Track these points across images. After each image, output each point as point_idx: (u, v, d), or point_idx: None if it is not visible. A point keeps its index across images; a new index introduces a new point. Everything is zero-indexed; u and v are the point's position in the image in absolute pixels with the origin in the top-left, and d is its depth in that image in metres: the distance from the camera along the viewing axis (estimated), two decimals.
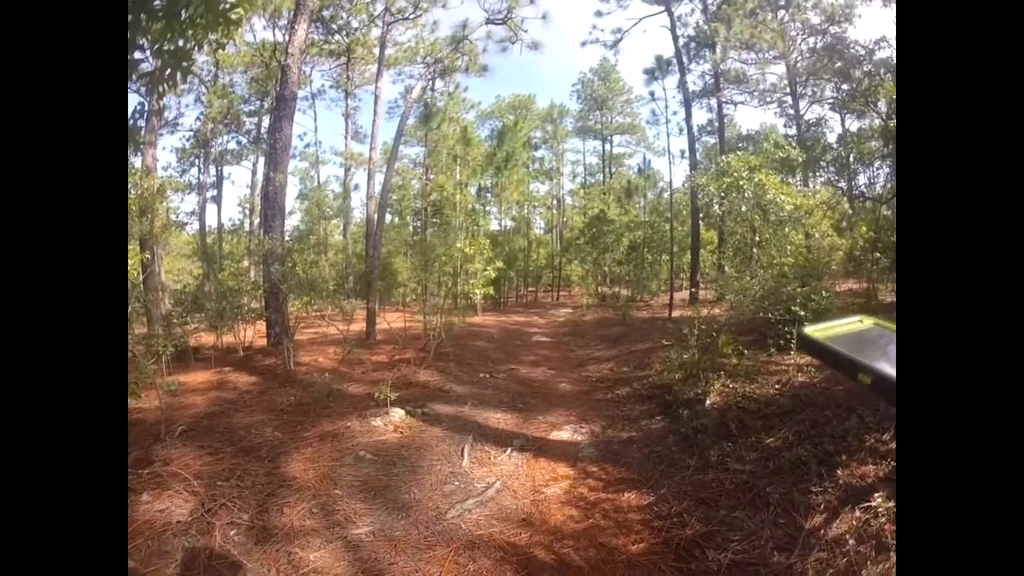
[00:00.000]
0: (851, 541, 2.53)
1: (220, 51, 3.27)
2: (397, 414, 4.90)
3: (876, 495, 2.77)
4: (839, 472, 3.14)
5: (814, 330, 0.64)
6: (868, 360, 0.60)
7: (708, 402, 4.87)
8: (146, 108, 11.43)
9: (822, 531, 2.76)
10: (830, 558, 2.50)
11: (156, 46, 2.35)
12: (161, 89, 2.52)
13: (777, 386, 4.88)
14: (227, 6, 2.23)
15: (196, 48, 2.40)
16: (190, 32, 2.26)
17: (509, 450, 4.44)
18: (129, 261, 7.33)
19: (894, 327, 0.65)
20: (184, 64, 2.30)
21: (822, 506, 2.94)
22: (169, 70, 2.29)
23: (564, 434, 4.98)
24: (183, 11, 2.19)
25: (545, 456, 4.38)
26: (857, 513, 2.73)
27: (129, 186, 8.11)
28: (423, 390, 6.07)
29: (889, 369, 0.59)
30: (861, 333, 0.66)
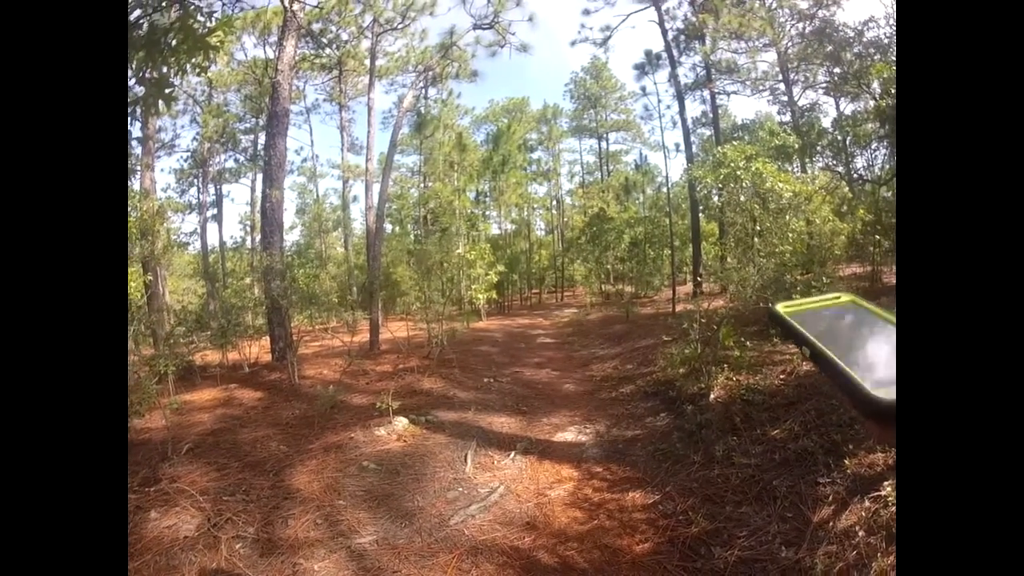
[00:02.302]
0: (861, 533, 2.50)
1: (203, 75, 3.32)
2: (400, 423, 4.92)
3: (885, 484, 2.74)
4: (847, 462, 3.10)
5: (784, 306, 0.64)
6: (812, 333, 0.59)
7: (712, 396, 4.85)
8: (134, 135, 11.51)
9: (831, 523, 2.72)
10: (839, 551, 2.48)
11: (139, 74, 2.37)
12: (148, 115, 2.54)
13: (782, 376, 4.85)
14: (206, 31, 2.26)
15: (179, 74, 2.42)
16: (171, 59, 2.28)
17: (513, 454, 4.44)
18: (132, 283, 7.39)
19: (869, 305, 0.64)
20: (167, 91, 2.32)
21: (830, 498, 2.90)
22: (152, 97, 2.31)
23: (568, 435, 4.98)
24: (163, 39, 2.21)
25: (549, 458, 4.37)
26: (866, 503, 2.69)
27: (129, 209, 8.18)
28: (426, 398, 6.08)
29: (827, 344, 0.58)
30: (832, 310, 0.65)
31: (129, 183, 10.96)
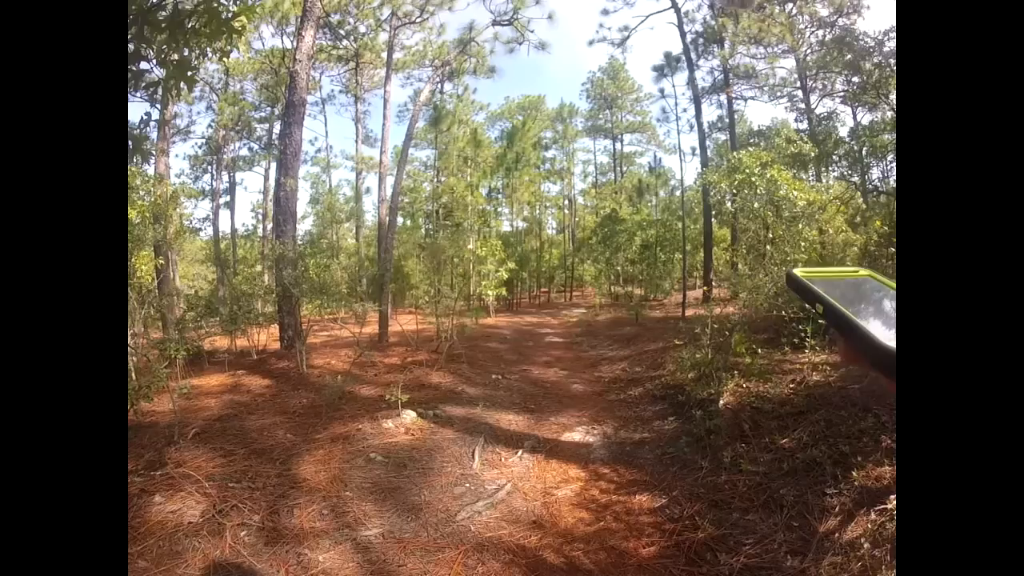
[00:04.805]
0: (866, 545, 2.49)
1: (224, 59, 3.33)
2: (408, 416, 4.91)
3: (892, 497, 2.72)
4: (854, 474, 3.09)
5: (802, 270, 0.66)
6: (829, 295, 0.61)
7: (721, 402, 4.82)
8: (153, 117, 11.55)
9: (836, 534, 2.72)
10: (844, 562, 2.46)
11: (161, 56, 2.36)
12: (168, 98, 2.55)
13: (792, 385, 4.82)
14: (229, 15, 2.25)
15: (200, 57, 2.41)
16: (194, 42, 2.28)
17: (520, 452, 4.43)
18: (144, 267, 7.43)
19: (888, 280, 0.66)
20: (188, 73, 2.32)
21: (837, 509, 2.90)
22: (174, 79, 2.31)
23: (576, 435, 4.96)
24: (186, 21, 2.20)
25: (556, 458, 4.36)
26: (872, 516, 2.69)
27: (143, 193, 8.23)
28: (435, 392, 6.08)
29: (844, 305, 0.60)
30: (851, 281, 0.67)
31: (145, 167, 11.05)
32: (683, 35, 16.61)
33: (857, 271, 0.69)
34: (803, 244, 8.53)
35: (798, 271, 0.67)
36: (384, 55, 16.20)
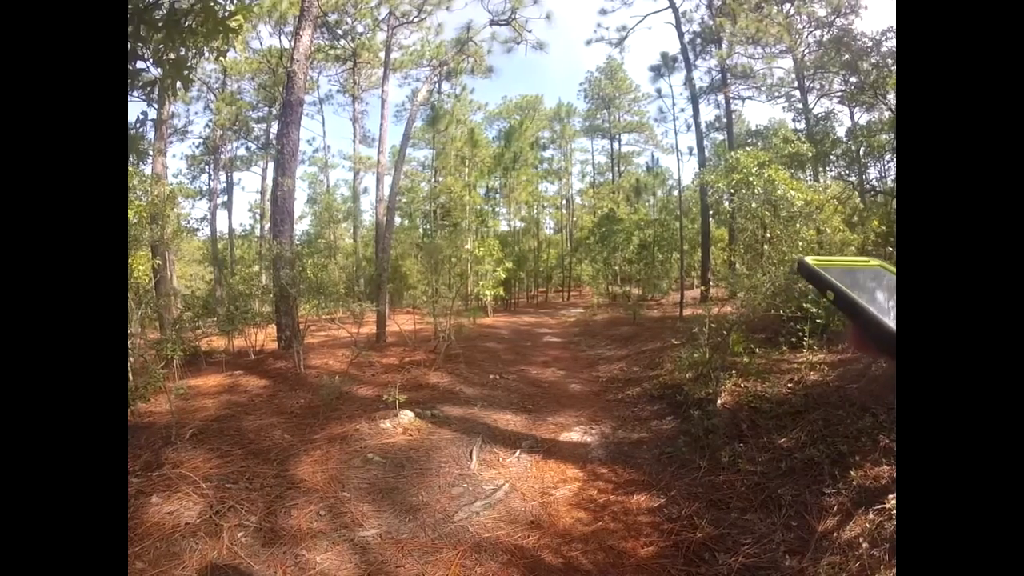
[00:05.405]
0: (864, 544, 2.50)
1: (221, 58, 3.30)
2: (406, 416, 4.91)
3: (890, 496, 2.73)
4: (852, 473, 3.10)
5: (814, 259, 0.67)
6: (840, 283, 0.62)
7: (719, 402, 4.83)
8: (150, 117, 11.55)
9: (835, 534, 2.72)
10: (843, 562, 2.47)
11: (158, 56, 2.35)
12: (164, 97, 2.54)
13: (790, 385, 4.83)
14: (226, 15, 2.24)
15: (197, 56, 2.40)
16: (190, 41, 2.27)
17: (518, 452, 4.42)
18: (141, 267, 7.41)
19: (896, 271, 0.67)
20: (185, 72, 2.31)
21: (835, 508, 2.90)
22: (170, 79, 2.30)
23: (574, 435, 4.95)
24: (183, 20, 2.19)
25: (554, 458, 4.35)
26: (871, 515, 2.69)
27: (140, 193, 8.21)
28: (432, 392, 6.07)
29: (854, 292, 0.62)
30: (861, 270, 0.68)
31: (142, 167, 11.01)
32: (681, 35, 16.61)
33: (868, 261, 0.70)
34: (800, 244, 8.53)
35: (810, 259, 0.68)
36: (382, 55, 16.17)
